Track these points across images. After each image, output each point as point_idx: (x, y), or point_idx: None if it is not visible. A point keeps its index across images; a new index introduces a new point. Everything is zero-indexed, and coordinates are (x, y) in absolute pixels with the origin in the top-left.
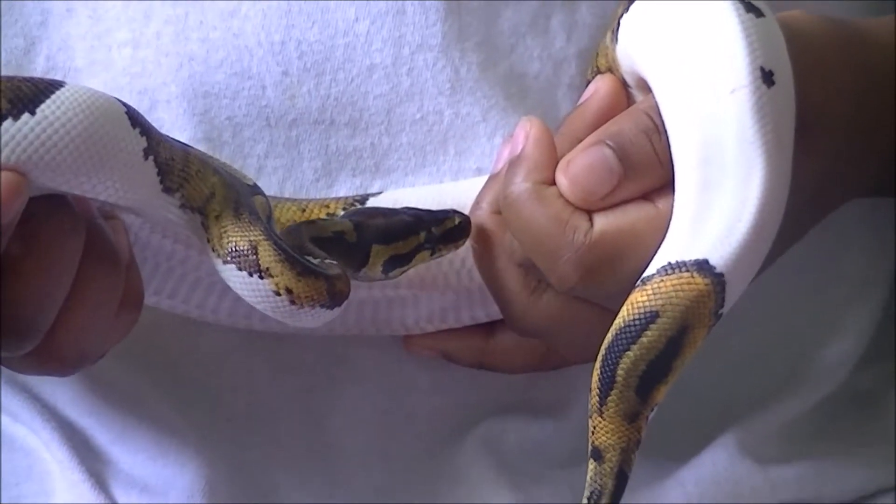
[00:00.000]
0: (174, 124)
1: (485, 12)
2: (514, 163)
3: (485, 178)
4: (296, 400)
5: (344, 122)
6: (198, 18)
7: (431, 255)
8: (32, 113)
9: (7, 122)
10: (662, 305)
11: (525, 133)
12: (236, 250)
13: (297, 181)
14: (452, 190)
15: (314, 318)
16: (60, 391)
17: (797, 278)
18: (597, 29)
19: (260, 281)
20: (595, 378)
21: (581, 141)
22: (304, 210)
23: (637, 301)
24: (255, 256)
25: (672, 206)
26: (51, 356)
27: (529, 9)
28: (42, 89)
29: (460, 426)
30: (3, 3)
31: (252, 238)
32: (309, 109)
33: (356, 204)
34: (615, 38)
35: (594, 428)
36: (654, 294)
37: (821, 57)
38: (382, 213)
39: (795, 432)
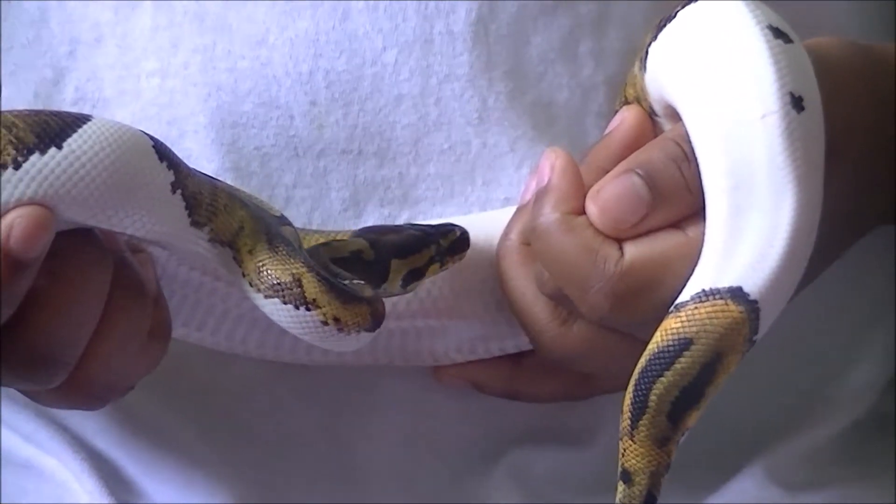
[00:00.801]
0: (202, 154)
1: (513, 40)
2: (540, 194)
3: (512, 209)
4: (323, 428)
5: (372, 152)
6: (225, 48)
7: (441, 267)
8: (59, 147)
9: (34, 157)
10: (696, 332)
11: (550, 164)
12: (279, 284)
13: (324, 211)
14: (480, 221)
15: (357, 342)
16: (89, 423)
17: (820, 302)
18: (625, 56)
19: (307, 313)
20: (627, 402)
21: (606, 172)
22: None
23: (671, 327)
24: (299, 289)
25: (702, 234)
26: (79, 389)
27: (558, 36)
28: (69, 123)
29: (487, 454)
30: (31, 34)
31: (294, 271)
32: (337, 139)
33: None
34: (643, 67)
35: (624, 451)
36: (688, 321)
37: (845, 82)
38: (391, 229)
39: (823, 458)
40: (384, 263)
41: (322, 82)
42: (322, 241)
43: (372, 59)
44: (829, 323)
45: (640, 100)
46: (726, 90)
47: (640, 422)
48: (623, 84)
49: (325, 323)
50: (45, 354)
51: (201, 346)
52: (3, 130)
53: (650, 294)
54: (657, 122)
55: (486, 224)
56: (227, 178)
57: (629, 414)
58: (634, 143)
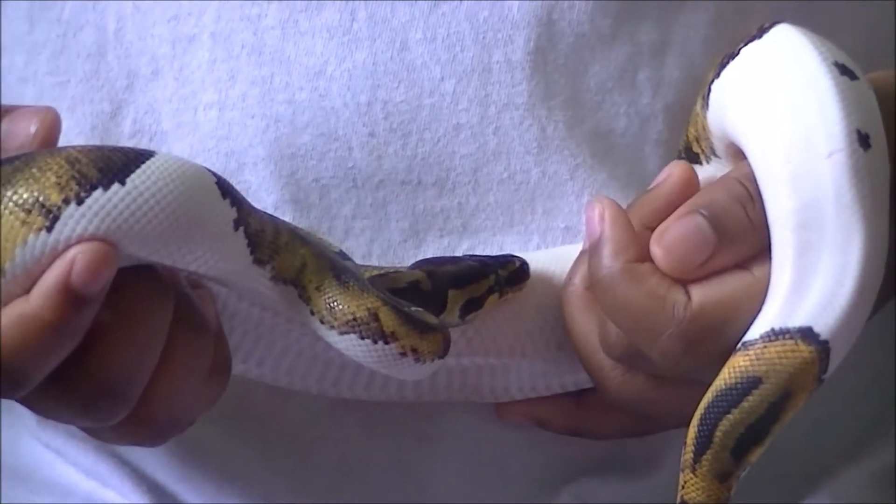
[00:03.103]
0: (261, 187)
1: (571, 69)
2: (596, 246)
3: (573, 247)
4: (387, 457)
5: (431, 183)
6: (283, 80)
7: (500, 297)
8: (122, 183)
9: (97, 192)
10: (766, 372)
11: (599, 214)
12: (356, 320)
13: (384, 242)
14: (542, 258)
15: (430, 369)
16: (150, 457)
17: (883, 327)
18: (683, 84)
19: (385, 346)
20: (691, 435)
21: (649, 228)
22: None
23: (739, 365)
24: (377, 323)
25: (769, 273)
26: (140, 425)
27: (616, 64)
28: (132, 159)
29: (553, 483)
30: (88, 68)
31: (370, 305)
32: (396, 170)
33: None
34: (706, 104)
35: (685, 483)
36: (757, 359)
37: None
38: (449, 260)
39: (887, 483)
40: (441, 294)
41: (380, 113)
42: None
43: (430, 90)
44: (888, 346)
45: (701, 139)
46: (792, 128)
47: (704, 456)
48: (685, 124)
49: (404, 354)
50: (106, 391)
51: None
52: (67, 165)
53: (720, 336)
54: (716, 163)
55: (547, 261)
56: (287, 210)
57: (692, 447)
58: (680, 201)
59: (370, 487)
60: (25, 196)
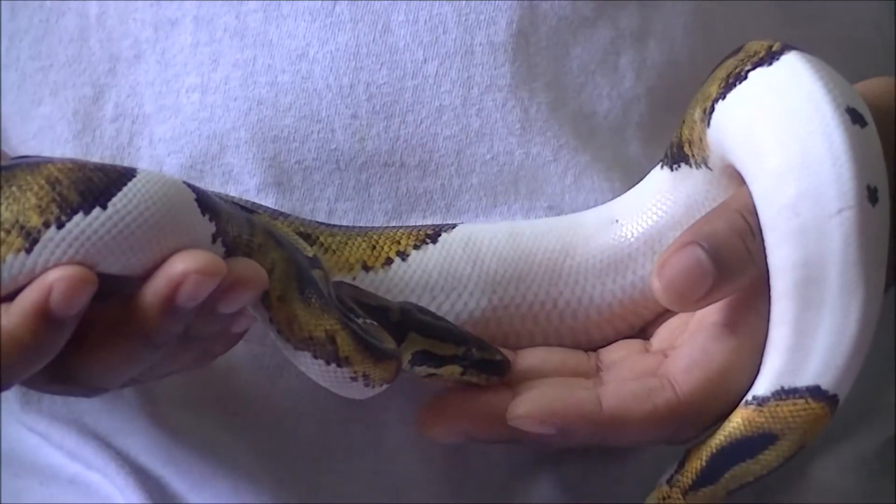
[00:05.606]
0: (243, 169)
1: (554, 52)
2: None
3: (561, 218)
4: (370, 438)
5: (414, 164)
6: (266, 62)
7: (462, 374)
8: (104, 207)
9: (78, 217)
10: (781, 429)
11: None
12: (312, 339)
13: (367, 223)
14: (527, 228)
15: (376, 392)
16: (134, 440)
17: None
18: (665, 68)
19: (338, 369)
20: (695, 466)
21: None
22: (373, 247)
23: (755, 421)
24: (332, 347)
25: (755, 331)
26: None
27: (598, 48)
28: (114, 180)
29: (534, 464)
30: (71, 52)
31: (328, 327)
32: (378, 152)
33: (427, 240)
34: (707, 122)
35: (667, 497)
36: (772, 417)
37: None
38: (434, 315)
39: (872, 465)
40: (403, 331)
41: (363, 95)
42: (365, 246)
43: (413, 71)
44: (878, 331)
45: (695, 146)
46: (803, 180)
47: (703, 489)
48: (681, 120)
49: (355, 379)
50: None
51: (245, 362)
52: (48, 187)
53: (719, 404)
54: (705, 172)
55: (534, 233)
56: (270, 193)
57: (694, 477)
58: None
59: (352, 470)
60: (6, 215)
